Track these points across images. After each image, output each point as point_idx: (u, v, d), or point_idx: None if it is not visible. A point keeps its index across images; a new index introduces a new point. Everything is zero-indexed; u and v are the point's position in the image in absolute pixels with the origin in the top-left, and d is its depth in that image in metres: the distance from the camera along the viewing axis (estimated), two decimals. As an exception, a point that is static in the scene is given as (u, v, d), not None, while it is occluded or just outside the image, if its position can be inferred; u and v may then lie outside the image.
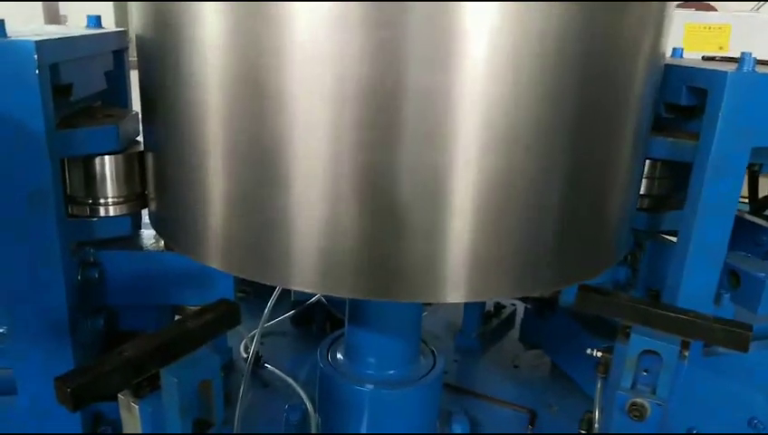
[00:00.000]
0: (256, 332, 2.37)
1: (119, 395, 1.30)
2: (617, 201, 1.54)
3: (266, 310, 2.32)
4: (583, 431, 1.85)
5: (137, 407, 1.25)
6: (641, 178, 1.66)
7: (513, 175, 1.33)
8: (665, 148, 1.84)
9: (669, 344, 1.52)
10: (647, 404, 1.53)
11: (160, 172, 1.53)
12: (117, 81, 1.86)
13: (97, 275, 1.63)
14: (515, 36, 1.21)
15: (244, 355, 2.63)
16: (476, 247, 1.36)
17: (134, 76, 1.72)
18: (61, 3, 8.03)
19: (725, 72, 1.63)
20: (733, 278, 2.11)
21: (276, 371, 2.47)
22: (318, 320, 2.87)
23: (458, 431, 2.13)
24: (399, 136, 1.26)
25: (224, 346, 2.58)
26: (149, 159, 1.58)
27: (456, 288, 1.40)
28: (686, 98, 1.82)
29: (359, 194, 1.30)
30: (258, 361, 2.52)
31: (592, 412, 1.80)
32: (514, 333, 2.94)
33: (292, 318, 2.90)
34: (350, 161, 1.28)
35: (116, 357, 1.24)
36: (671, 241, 2.10)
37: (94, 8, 2.05)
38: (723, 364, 2.01)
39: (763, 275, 2.14)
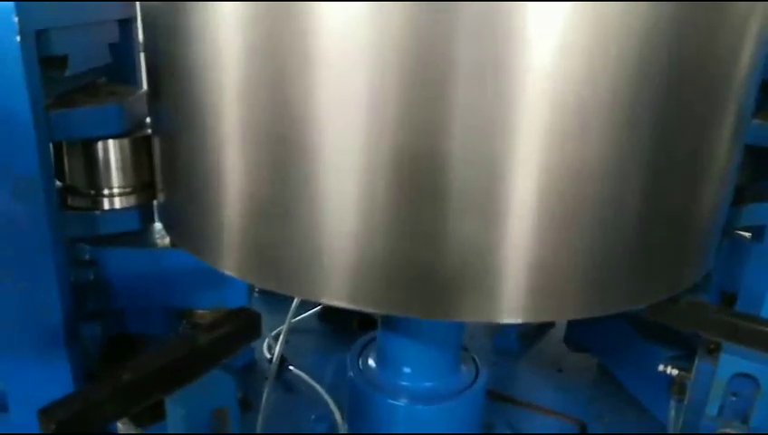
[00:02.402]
0: (280, 330, 2.19)
1: (118, 424, 1.11)
2: (710, 203, 1.28)
3: (291, 308, 2.13)
4: (651, 457, 1.62)
5: (138, 439, 1.06)
6: (738, 172, 1.40)
7: (584, 171, 1.09)
8: (750, 131, 1.57)
9: (768, 367, 1.27)
10: (738, 436, 1.30)
11: (168, 160, 1.32)
12: (124, 54, 1.65)
13: (92, 277, 1.43)
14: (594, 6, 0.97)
15: (268, 356, 2.44)
16: (538, 261, 1.14)
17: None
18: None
19: (839, 40, 1.35)
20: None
21: (302, 374, 2.27)
22: (346, 316, 2.66)
23: (502, 447, 1.93)
24: (447, 120, 1.04)
25: (244, 345, 2.40)
26: (157, 144, 1.37)
27: (512, 307, 1.17)
28: (779, 72, 1.54)
29: (397, 192, 1.09)
30: (282, 362, 2.33)
31: (663, 437, 1.56)
32: (556, 332, 2.70)
33: (319, 314, 2.70)
34: (389, 153, 1.06)
35: (111, 382, 1.04)
36: (747, 238, 1.85)
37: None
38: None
39: None
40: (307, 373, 2.29)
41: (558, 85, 1.03)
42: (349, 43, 1.02)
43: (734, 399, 1.34)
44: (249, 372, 2.35)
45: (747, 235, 1.87)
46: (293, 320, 2.55)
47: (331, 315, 2.69)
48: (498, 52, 1.00)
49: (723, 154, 1.24)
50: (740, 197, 1.77)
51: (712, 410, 1.33)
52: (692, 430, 1.38)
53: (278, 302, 2.27)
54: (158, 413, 1.10)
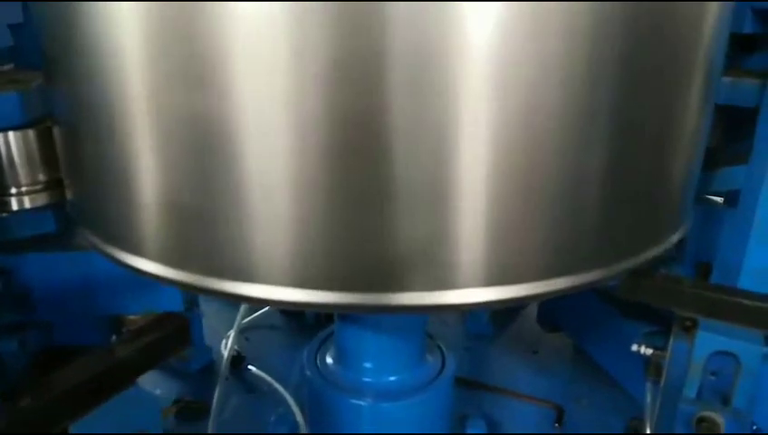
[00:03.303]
0: (234, 329, 2.05)
1: (22, 456, 0.97)
2: (681, 165, 1.18)
3: (243, 305, 1.98)
4: (630, 442, 1.52)
5: (42, 476, 0.92)
6: (708, 132, 1.29)
7: (541, 140, 0.98)
8: (722, 90, 1.46)
9: (749, 344, 1.17)
10: (719, 419, 1.20)
11: (71, 152, 1.17)
12: (32, 36, 1.47)
13: (1, 287, 1.27)
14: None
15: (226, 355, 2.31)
16: (494, 240, 1.03)
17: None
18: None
19: (811, -15, 1.25)
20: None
21: (261, 373, 2.14)
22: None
23: (475, 437, 1.83)
24: (385, 103, 0.91)
25: (201, 346, 2.26)
26: (58, 134, 1.21)
27: (469, 293, 1.06)
28: (750, 24, 1.44)
29: (333, 167, 0.96)
30: (240, 362, 2.20)
31: (640, 420, 1.47)
32: (530, 311, 2.61)
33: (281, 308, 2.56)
34: (322, 120, 0.93)
35: (7, 411, 0.89)
36: (720, 204, 1.75)
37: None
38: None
39: None
40: (270, 372, 2.16)
41: (506, 44, 0.90)
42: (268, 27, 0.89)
43: (713, 378, 1.24)
44: (207, 375, 2.21)
45: (719, 199, 1.78)
46: (255, 315, 2.44)
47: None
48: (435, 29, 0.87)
49: (692, 113, 1.13)
50: (713, 160, 1.68)
51: (690, 392, 1.23)
52: (670, 413, 1.28)
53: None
54: (67, 441, 0.96)
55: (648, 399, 1.38)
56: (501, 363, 2.34)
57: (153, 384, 2.03)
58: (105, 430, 0.94)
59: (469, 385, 2.13)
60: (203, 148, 0.98)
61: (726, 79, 1.47)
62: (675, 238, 1.22)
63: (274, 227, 1.01)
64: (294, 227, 1.01)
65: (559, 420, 2.01)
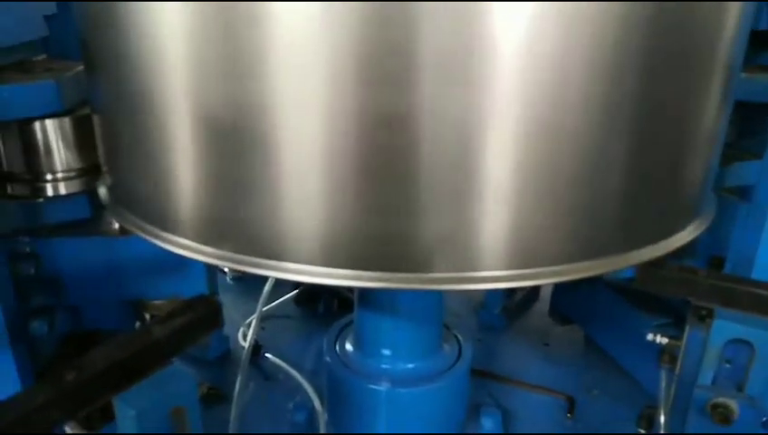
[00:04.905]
0: (254, 318, 2.09)
1: (66, 428, 1.01)
2: (702, 154, 1.21)
3: (264, 292, 2.02)
4: (642, 432, 1.55)
5: (87, 445, 0.96)
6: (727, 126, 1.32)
7: (564, 131, 1.02)
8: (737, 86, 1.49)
9: (765, 332, 1.20)
10: (734, 405, 1.23)
11: (111, 139, 1.20)
12: (64, 27, 1.51)
13: (33, 271, 1.31)
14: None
15: (243, 344, 2.34)
16: (517, 224, 1.07)
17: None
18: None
19: (829, -18, 1.28)
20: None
21: (279, 361, 2.18)
22: (324, 299, 2.57)
23: (489, 427, 1.86)
24: (416, 72, 0.94)
25: (220, 334, 2.29)
26: (97, 122, 1.24)
27: (491, 274, 1.09)
28: (766, 21, 1.46)
29: (363, 152, 1.00)
30: (258, 350, 2.24)
31: (654, 408, 1.49)
32: (541, 305, 2.64)
33: (296, 298, 2.60)
34: (354, 106, 0.97)
35: (54, 385, 0.93)
36: (734, 199, 1.78)
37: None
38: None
39: None
40: (286, 360, 2.20)
41: (533, 37, 0.94)
42: (304, 26, 0.93)
43: (727, 367, 1.27)
44: (224, 363, 2.25)
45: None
46: (270, 306, 2.47)
47: (308, 299, 2.59)
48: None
49: (713, 104, 1.16)
50: (725, 155, 1.70)
51: (705, 379, 1.26)
52: (684, 401, 1.31)
53: (253, 288, 2.18)
54: (109, 413, 1.01)
55: (663, 386, 1.41)
56: (513, 355, 2.37)
57: (173, 370, 2.06)
58: (143, 406, 0.97)
59: (482, 375, 2.16)
60: (239, 131, 1.02)
61: (743, 75, 1.49)
62: (696, 230, 1.25)
63: (306, 207, 1.04)
64: (325, 208, 1.04)
65: (570, 410, 2.03)
